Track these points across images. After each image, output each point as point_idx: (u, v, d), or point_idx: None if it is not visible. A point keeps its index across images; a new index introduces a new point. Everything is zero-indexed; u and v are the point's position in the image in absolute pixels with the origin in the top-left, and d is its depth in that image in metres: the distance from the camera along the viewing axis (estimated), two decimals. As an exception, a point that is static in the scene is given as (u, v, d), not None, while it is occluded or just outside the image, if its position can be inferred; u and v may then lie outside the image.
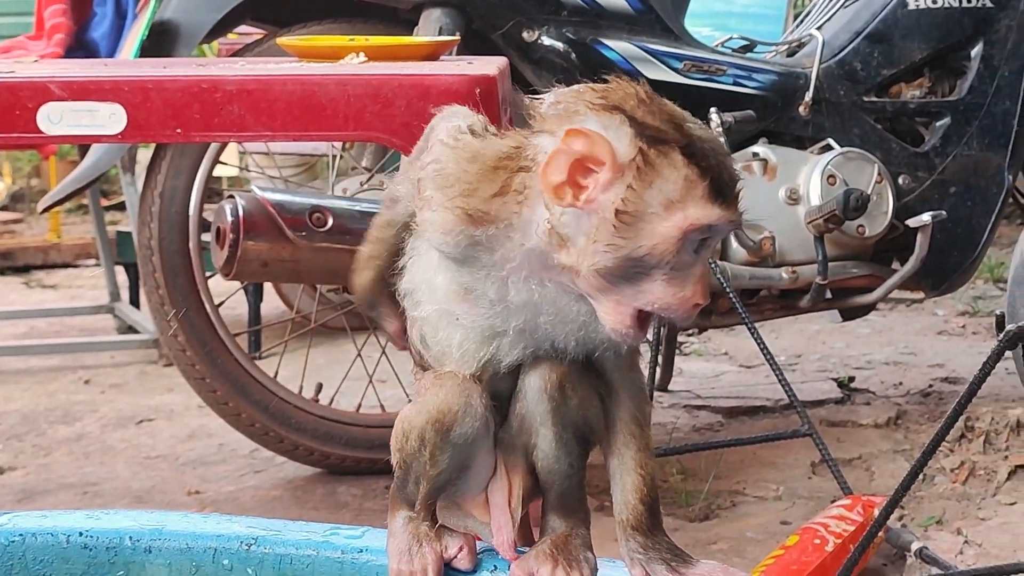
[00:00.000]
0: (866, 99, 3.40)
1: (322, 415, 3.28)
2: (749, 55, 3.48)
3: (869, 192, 3.24)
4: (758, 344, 2.91)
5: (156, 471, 3.40)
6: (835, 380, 4.02)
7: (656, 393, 3.76)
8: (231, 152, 4.38)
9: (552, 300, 1.26)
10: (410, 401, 1.36)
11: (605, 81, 1.24)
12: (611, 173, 1.19)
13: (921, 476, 3.01)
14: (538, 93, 1.27)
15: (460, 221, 1.24)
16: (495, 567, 1.32)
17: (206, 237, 3.07)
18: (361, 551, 1.36)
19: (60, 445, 3.59)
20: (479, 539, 1.35)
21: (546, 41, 3.21)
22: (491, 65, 2.18)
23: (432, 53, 2.36)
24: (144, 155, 4.40)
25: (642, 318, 1.23)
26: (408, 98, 2.00)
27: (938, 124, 3.44)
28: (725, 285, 3.00)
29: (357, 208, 2.90)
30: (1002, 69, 3.43)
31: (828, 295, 3.38)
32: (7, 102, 2.00)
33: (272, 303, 4.65)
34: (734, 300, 2.97)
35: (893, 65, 3.42)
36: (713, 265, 3.05)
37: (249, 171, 4.44)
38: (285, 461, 3.36)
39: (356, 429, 3.29)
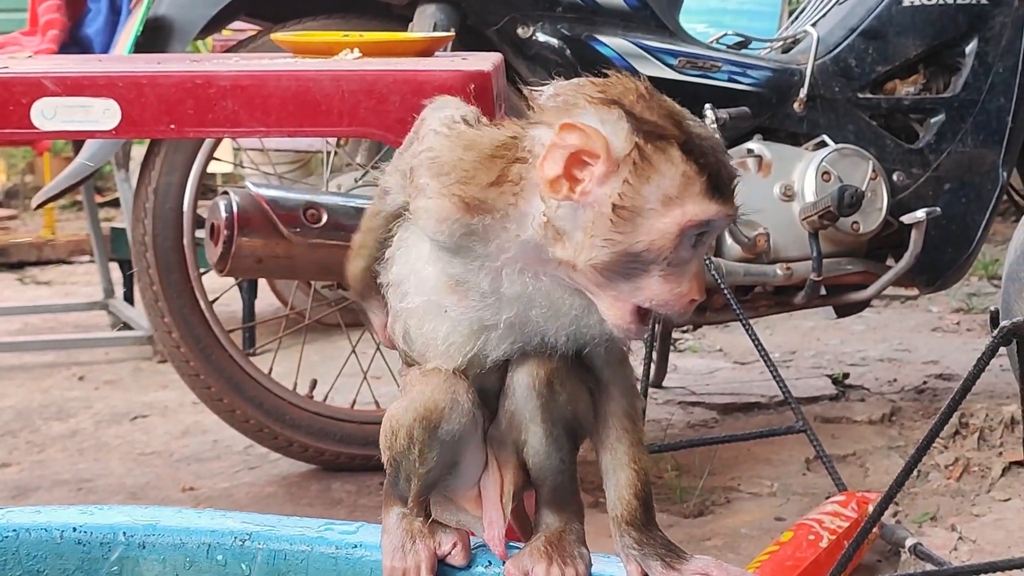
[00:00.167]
0: (861, 96, 3.41)
1: (317, 411, 3.28)
2: (744, 52, 3.48)
3: (864, 189, 3.24)
4: (752, 340, 2.91)
5: (150, 467, 3.40)
6: (829, 376, 4.03)
7: (650, 389, 3.75)
8: (225, 148, 4.37)
9: (546, 293, 1.25)
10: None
11: (605, 75, 1.24)
12: (606, 167, 1.18)
13: (915, 472, 3.01)
14: (535, 86, 1.27)
15: (456, 209, 1.23)
16: (489, 563, 1.32)
17: (200, 233, 3.07)
18: (355, 547, 1.36)
19: (54, 441, 3.59)
20: (473, 534, 1.35)
21: (541, 37, 3.21)
22: (486, 61, 2.17)
23: (427, 49, 2.36)
24: (138, 151, 4.39)
25: (641, 314, 1.22)
26: (402, 94, 1.99)
27: (933, 121, 3.44)
28: (720, 281, 3.00)
29: (351, 204, 2.90)
30: (996, 66, 3.43)
31: (822, 291, 3.38)
32: (1, 98, 2.00)
33: (266, 299, 4.65)
34: (729, 296, 2.98)
35: (888, 62, 3.42)
36: (708, 261, 3.05)
37: (243, 167, 4.44)
38: (279, 458, 3.36)
39: (350, 425, 3.29)
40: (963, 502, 3.02)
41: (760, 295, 3.38)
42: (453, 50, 2.82)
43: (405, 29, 3.11)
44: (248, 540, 1.37)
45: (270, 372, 3.28)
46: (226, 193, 2.85)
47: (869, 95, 3.42)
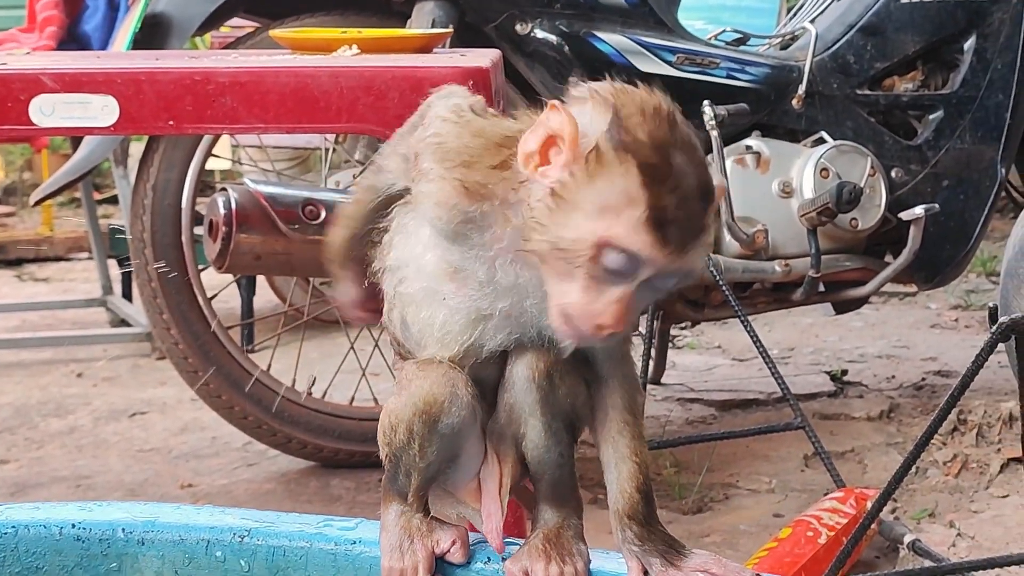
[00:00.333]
0: (859, 92, 3.40)
1: (315, 408, 3.28)
2: (742, 48, 3.48)
3: (862, 185, 3.24)
4: (751, 337, 2.91)
5: (149, 464, 3.40)
6: (828, 373, 4.03)
7: (649, 386, 3.75)
8: (224, 145, 4.37)
9: (538, 285, 1.25)
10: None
11: (643, 88, 1.21)
12: (568, 155, 1.18)
13: (914, 469, 3.01)
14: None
15: (456, 193, 1.23)
16: (488, 559, 1.32)
17: (199, 230, 3.07)
18: (355, 543, 1.35)
19: (52, 438, 3.59)
20: (473, 529, 1.35)
21: (539, 34, 3.21)
22: (484, 58, 2.17)
23: (425, 46, 2.36)
24: (137, 148, 4.39)
25: (567, 318, 1.20)
26: (401, 90, 1.99)
27: (931, 117, 3.44)
28: (718, 278, 3.00)
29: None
30: (995, 62, 3.43)
31: (821, 288, 3.38)
32: (-1, 94, 2.00)
33: (265, 296, 4.65)
34: (727, 293, 2.97)
35: (886, 58, 3.42)
36: (706, 258, 3.06)
37: (242, 164, 4.44)
38: (278, 454, 3.36)
39: (349, 422, 3.29)
40: (961, 498, 3.02)
41: (759, 292, 3.38)
42: (451, 47, 2.82)
43: (403, 26, 3.11)
44: (247, 536, 1.37)
45: (269, 369, 3.28)
46: (224, 190, 2.85)
47: (867, 91, 3.42)
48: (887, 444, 3.40)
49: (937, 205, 3.31)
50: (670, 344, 4.14)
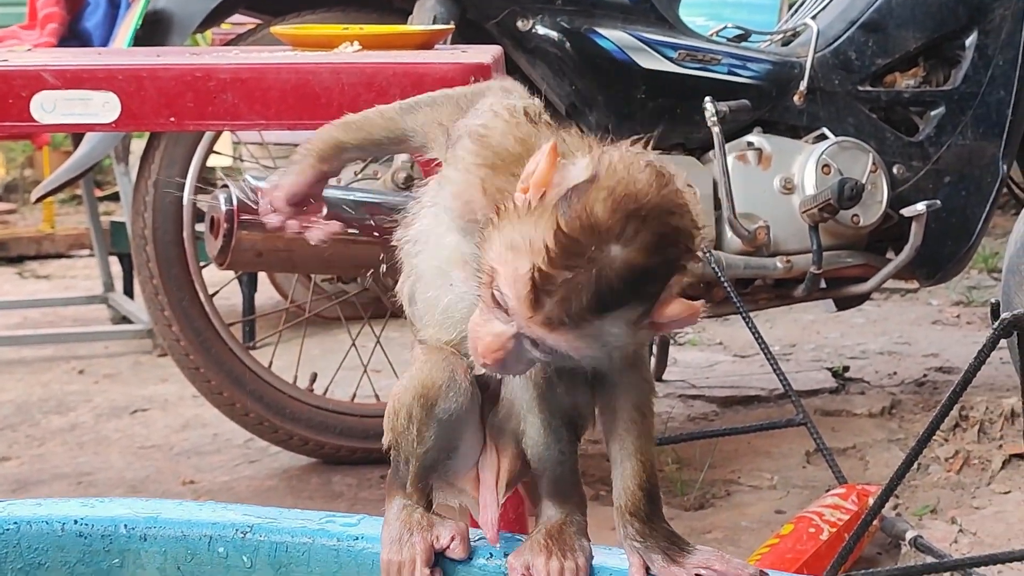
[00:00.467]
0: (861, 88, 3.40)
1: (317, 405, 3.28)
2: (744, 44, 3.48)
3: (864, 181, 3.24)
4: (753, 333, 2.91)
5: (150, 461, 3.40)
6: (830, 369, 4.03)
7: (651, 383, 3.75)
8: (225, 142, 4.37)
9: None
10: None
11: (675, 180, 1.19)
12: (532, 191, 1.17)
13: (915, 465, 3.01)
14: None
15: (474, 191, 1.24)
16: (490, 555, 1.32)
17: (200, 227, 3.07)
18: (357, 539, 1.36)
19: (54, 435, 3.59)
20: (475, 525, 1.35)
21: (540, 30, 3.21)
22: (485, 54, 2.18)
23: (426, 42, 2.36)
24: (138, 145, 4.39)
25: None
26: (402, 87, 1.99)
27: (933, 113, 3.44)
28: (719, 274, 3.00)
29: (351, 198, 2.89)
30: (996, 58, 3.43)
31: (822, 284, 3.38)
32: (0, 91, 2.00)
33: (266, 293, 4.65)
34: (729, 289, 2.97)
35: (888, 54, 3.42)
36: (708, 254, 3.05)
37: (243, 161, 4.43)
38: (279, 451, 3.36)
39: (351, 419, 3.29)
40: (963, 495, 3.02)
41: (760, 288, 3.38)
42: (453, 43, 2.82)
43: (404, 22, 3.11)
44: (250, 532, 1.38)
45: (270, 366, 3.28)
46: (226, 186, 2.85)
47: (869, 88, 3.41)
48: (889, 440, 3.40)
49: (939, 201, 3.31)
50: (671, 341, 4.14)
